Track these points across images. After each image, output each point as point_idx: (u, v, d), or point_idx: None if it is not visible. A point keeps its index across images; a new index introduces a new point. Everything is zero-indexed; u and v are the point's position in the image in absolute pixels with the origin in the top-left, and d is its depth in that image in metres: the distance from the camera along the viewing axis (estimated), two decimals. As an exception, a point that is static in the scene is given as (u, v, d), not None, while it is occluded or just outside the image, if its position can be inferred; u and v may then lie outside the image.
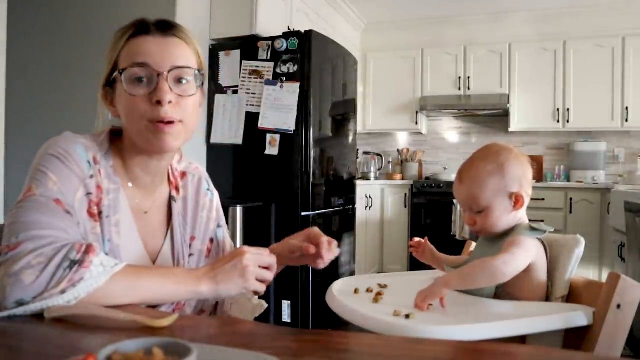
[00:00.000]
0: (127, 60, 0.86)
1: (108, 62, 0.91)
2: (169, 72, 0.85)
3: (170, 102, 0.85)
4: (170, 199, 1.01)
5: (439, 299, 0.90)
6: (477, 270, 0.95)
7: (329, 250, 0.99)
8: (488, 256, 1.00)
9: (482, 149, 1.09)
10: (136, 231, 0.93)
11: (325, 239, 0.99)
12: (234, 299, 1.03)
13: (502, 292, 0.98)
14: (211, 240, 1.06)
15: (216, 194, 1.11)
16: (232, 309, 1.04)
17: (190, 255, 1.01)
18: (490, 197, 1.02)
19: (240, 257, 0.82)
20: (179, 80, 0.87)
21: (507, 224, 1.04)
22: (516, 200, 1.03)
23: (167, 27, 0.89)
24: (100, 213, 0.86)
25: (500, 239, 1.04)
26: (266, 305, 1.05)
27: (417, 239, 1.22)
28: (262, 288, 0.85)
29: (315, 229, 1.03)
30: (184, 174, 1.06)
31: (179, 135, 0.88)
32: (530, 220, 1.07)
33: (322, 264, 0.99)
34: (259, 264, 0.84)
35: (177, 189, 1.02)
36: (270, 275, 0.86)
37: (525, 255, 0.96)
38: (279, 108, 2.89)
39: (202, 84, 0.93)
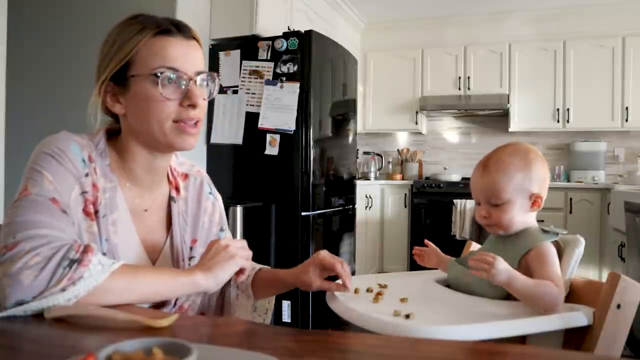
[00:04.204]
0: (153, 61, 0.86)
1: (116, 57, 0.88)
2: (195, 76, 0.89)
3: None
4: (170, 199, 1.01)
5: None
6: (541, 294, 0.88)
7: (348, 275, 0.98)
8: (503, 257, 1.00)
9: (509, 145, 1.08)
10: (134, 230, 0.93)
11: (339, 266, 0.98)
12: (248, 306, 1.05)
13: (507, 294, 0.98)
14: None
15: (219, 197, 1.11)
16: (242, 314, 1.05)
17: (192, 258, 1.00)
18: (512, 191, 1.02)
19: (217, 243, 0.88)
20: (200, 84, 0.91)
21: (520, 223, 1.04)
22: (534, 201, 1.03)
23: (186, 30, 0.91)
24: (96, 212, 0.86)
25: (514, 239, 1.03)
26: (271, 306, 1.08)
27: (418, 248, 1.20)
28: (248, 264, 0.91)
29: (324, 255, 1.00)
30: (186, 176, 1.05)
31: (197, 134, 0.92)
32: (537, 221, 1.07)
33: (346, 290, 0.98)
34: (236, 245, 0.89)
35: (177, 189, 1.02)
36: (248, 252, 0.91)
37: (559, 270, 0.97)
38: (279, 108, 2.89)
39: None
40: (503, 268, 0.88)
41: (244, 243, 0.92)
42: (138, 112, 0.89)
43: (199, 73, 0.90)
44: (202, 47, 0.95)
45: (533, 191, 1.03)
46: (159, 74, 0.86)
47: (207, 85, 0.93)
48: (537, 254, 0.98)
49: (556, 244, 1.02)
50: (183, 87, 0.88)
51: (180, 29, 0.90)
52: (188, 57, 0.89)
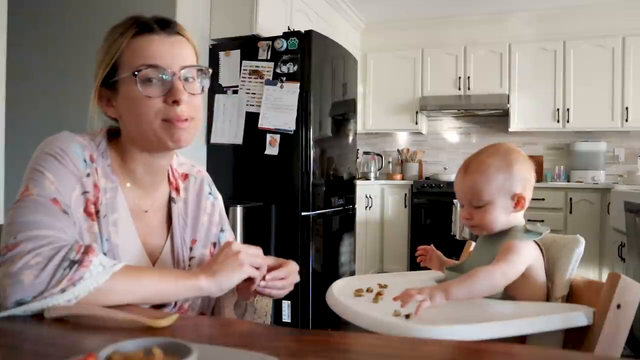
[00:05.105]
0: (135, 60, 0.86)
1: (104, 62, 0.89)
2: (180, 71, 0.87)
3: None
4: (170, 200, 1.01)
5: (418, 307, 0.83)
6: (477, 281, 0.92)
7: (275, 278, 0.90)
8: (488, 256, 0.99)
9: (491, 146, 1.08)
10: (134, 231, 0.93)
11: (281, 271, 0.90)
12: (243, 307, 1.04)
13: (502, 294, 0.98)
14: (214, 245, 1.06)
15: (219, 197, 1.10)
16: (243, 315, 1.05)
17: (192, 258, 1.00)
18: (493, 192, 1.02)
19: (229, 246, 0.85)
20: (186, 79, 0.88)
21: (504, 224, 1.04)
22: (517, 202, 1.03)
23: (169, 26, 0.89)
24: (97, 212, 0.86)
25: (499, 239, 1.04)
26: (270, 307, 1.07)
27: (422, 247, 1.21)
28: (257, 273, 0.86)
29: (291, 263, 0.95)
30: (186, 176, 1.05)
31: (191, 131, 0.90)
32: (527, 221, 1.07)
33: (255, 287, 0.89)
34: (248, 252, 0.85)
35: (177, 190, 1.02)
36: (261, 260, 0.87)
37: (522, 261, 0.97)
38: (279, 108, 2.89)
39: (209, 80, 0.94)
40: (428, 291, 0.85)
41: (259, 251, 0.88)
42: (128, 114, 0.89)
43: (183, 68, 0.87)
44: (192, 41, 0.92)
45: (516, 191, 1.02)
46: (136, 73, 0.85)
47: (196, 79, 0.90)
48: (505, 247, 0.98)
49: (539, 246, 1.02)
50: (165, 83, 0.86)
51: (163, 26, 0.88)
52: (171, 53, 0.87)
